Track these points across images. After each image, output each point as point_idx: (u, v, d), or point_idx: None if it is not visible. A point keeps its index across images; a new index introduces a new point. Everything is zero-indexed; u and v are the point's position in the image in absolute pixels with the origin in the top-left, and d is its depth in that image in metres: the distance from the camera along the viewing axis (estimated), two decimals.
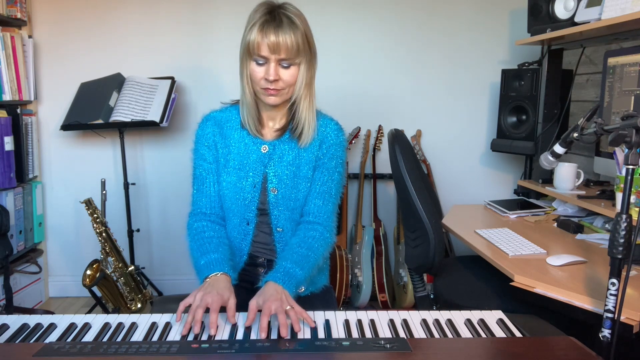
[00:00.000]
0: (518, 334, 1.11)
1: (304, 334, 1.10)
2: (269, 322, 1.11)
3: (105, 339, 1.07)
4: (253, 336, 1.09)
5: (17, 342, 1.06)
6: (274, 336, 1.09)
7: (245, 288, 1.47)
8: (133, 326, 1.12)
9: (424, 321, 1.15)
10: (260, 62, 1.30)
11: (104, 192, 2.69)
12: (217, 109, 1.49)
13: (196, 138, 1.47)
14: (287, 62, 1.30)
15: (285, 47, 1.27)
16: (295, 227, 1.44)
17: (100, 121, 2.61)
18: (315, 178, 1.43)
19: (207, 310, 1.13)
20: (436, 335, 1.10)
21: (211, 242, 1.36)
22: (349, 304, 2.82)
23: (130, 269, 2.63)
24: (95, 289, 2.49)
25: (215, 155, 1.44)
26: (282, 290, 1.20)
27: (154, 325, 1.12)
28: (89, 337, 1.08)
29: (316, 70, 1.41)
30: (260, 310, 1.13)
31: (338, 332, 1.10)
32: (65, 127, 2.63)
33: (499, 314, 1.19)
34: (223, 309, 1.16)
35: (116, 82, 2.77)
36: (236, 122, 1.44)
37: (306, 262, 1.32)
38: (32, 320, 1.14)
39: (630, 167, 1.11)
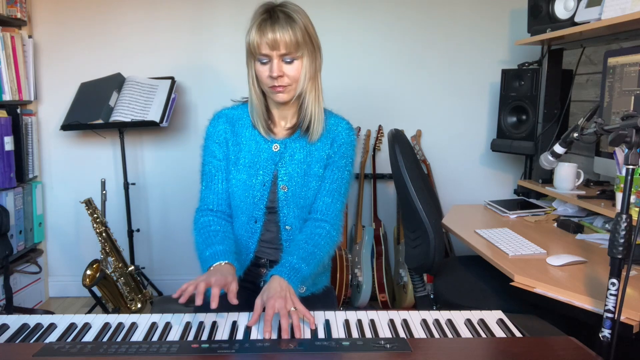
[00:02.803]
0: (518, 334, 1.11)
1: (304, 334, 1.10)
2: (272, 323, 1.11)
3: (105, 339, 1.07)
4: (253, 336, 1.09)
5: (17, 342, 1.06)
6: (274, 336, 1.09)
7: (247, 288, 1.47)
8: (133, 326, 1.12)
9: (424, 321, 1.15)
10: (264, 61, 1.32)
11: (104, 192, 2.69)
12: (228, 107, 1.50)
13: (207, 134, 1.47)
14: (289, 57, 1.32)
15: (283, 42, 1.28)
16: (303, 225, 1.45)
17: (100, 121, 2.61)
18: (325, 176, 1.44)
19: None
20: (436, 335, 1.10)
21: (217, 235, 1.36)
22: (349, 304, 2.82)
23: (130, 269, 2.63)
24: (95, 289, 2.49)
25: (225, 153, 1.44)
26: (287, 286, 1.20)
27: (154, 325, 1.12)
28: (89, 337, 1.08)
29: (321, 65, 1.42)
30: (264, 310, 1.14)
31: (338, 332, 1.10)
32: (65, 127, 2.63)
33: (499, 314, 1.20)
34: (223, 310, 1.16)
35: (116, 82, 2.77)
36: (248, 120, 1.45)
37: (312, 258, 1.32)
38: (32, 320, 1.14)
39: (630, 167, 1.11)
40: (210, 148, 1.45)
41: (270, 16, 1.30)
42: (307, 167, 1.42)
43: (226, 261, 1.27)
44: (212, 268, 1.25)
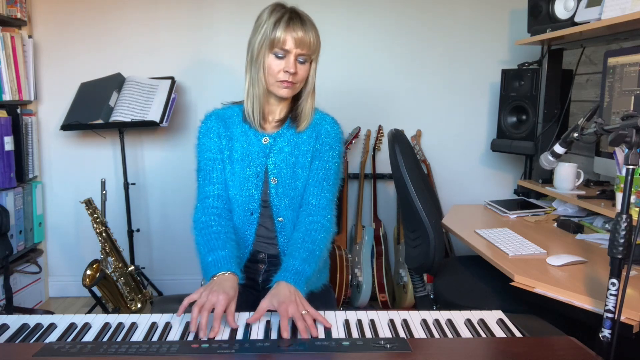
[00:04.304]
0: (518, 334, 1.11)
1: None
2: (269, 322, 1.12)
3: (105, 339, 1.07)
4: (253, 336, 1.09)
5: (17, 342, 1.06)
6: (274, 336, 1.09)
7: (246, 285, 1.48)
8: (133, 326, 1.12)
9: (424, 321, 1.15)
10: (280, 55, 1.36)
11: (104, 192, 2.69)
12: (219, 108, 1.54)
13: (200, 133, 1.50)
14: (303, 58, 1.38)
15: (308, 43, 1.36)
16: (296, 216, 1.47)
17: (100, 121, 2.61)
18: (312, 168, 1.47)
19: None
20: (436, 335, 1.10)
21: (218, 237, 1.36)
22: (349, 304, 2.82)
23: (130, 269, 2.63)
24: (95, 289, 2.49)
25: (219, 147, 1.47)
26: (295, 290, 1.22)
27: (154, 325, 1.12)
28: (89, 337, 1.08)
29: None
30: (270, 310, 1.16)
31: (338, 332, 1.11)
32: (65, 127, 2.62)
33: (499, 314, 1.19)
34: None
35: (116, 82, 2.77)
36: (239, 117, 1.50)
37: (312, 257, 1.34)
38: (32, 320, 1.14)
39: (630, 167, 1.11)
40: (205, 145, 1.48)
41: (297, 16, 1.36)
42: (295, 159, 1.46)
43: (229, 271, 1.26)
44: (215, 278, 1.24)
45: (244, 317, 1.17)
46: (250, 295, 1.47)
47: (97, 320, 1.14)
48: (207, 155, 1.47)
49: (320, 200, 1.45)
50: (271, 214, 1.47)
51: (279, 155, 1.46)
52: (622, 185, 1.63)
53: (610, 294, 1.12)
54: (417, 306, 2.24)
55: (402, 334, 1.09)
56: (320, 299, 1.51)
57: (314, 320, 1.13)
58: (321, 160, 1.47)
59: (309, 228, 1.40)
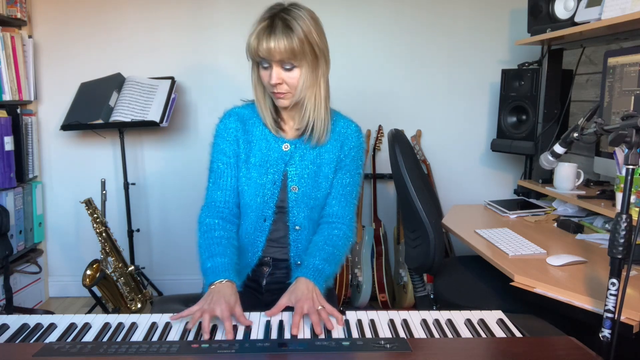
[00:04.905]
0: (518, 334, 1.11)
1: (304, 334, 1.10)
2: (269, 322, 1.11)
3: (105, 339, 1.07)
4: (253, 336, 1.09)
5: (17, 342, 1.06)
6: (274, 336, 1.09)
7: (250, 287, 1.48)
8: (133, 326, 1.12)
9: (424, 321, 1.15)
10: (265, 65, 1.32)
11: (104, 192, 2.69)
12: (239, 105, 1.49)
13: (217, 132, 1.46)
14: (288, 65, 1.31)
15: (278, 51, 1.27)
16: (313, 225, 1.46)
17: (100, 121, 2.61)
18: (337, 180, 1.45)
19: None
20: (436, 335, 1.10)
21: (220, 242, 1.34)
22: (349, 304, 2.82)
23: (130, 269, 2.63)
24: (95, 289, 2.49)
25: (235, 150, 1.43)
26: (314, 287, 1.23)
27: (154, 325, 1.12)
28: (89, 337, 1.08)
29: (327, 71, 1.42)
30: (289, 307, 1.18)
31: (338, 332, 1.11)
32: (65, 127, 2.63)
33: (499, 314, 1.20)
34: None
35: (116, 82, 2.77)
36: (259, 118, 1.45)
37: (333, 259, 1.35)
38: (32, 320, 1.14)
39: (630, 167, 1.11)
40: (220, 145, 1.44)
41: (270, 24, 1.28)
42: (317, 169, 1.43)
43: (227, 279, 1.24)
44: (213, 287, 1.22)
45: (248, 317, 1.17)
46: (252, 297, 1.47)
47: (97, 320, 1.14)
48: (220, 158, 1.43)
49: (345, 213, 1.45)
50: (286, 220, 1.44)
51: (300, 163, 1.42)
52: (622, 185, 1.63)
53: (610, 294, 1.12)
54: (417, 306, 2.24)
55: (402, 334, 1.09)
56: None
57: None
58: (346, 173, 1.45)
59: (331, 234, 1.41)
